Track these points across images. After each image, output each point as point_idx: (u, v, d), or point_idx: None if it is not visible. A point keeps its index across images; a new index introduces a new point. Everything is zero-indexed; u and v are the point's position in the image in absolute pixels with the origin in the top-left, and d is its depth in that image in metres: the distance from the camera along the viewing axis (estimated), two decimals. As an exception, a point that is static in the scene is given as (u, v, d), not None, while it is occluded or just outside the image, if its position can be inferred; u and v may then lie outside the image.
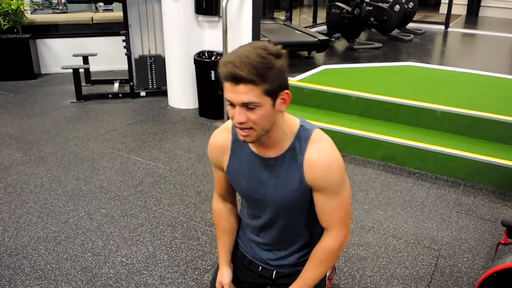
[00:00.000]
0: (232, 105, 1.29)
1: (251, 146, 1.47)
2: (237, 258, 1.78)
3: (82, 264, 2.40)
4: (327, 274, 2.10)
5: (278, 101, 1.31)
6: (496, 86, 4.58)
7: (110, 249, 2.54)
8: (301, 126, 1.42)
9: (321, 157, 1.38)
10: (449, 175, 3.45)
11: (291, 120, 1.44)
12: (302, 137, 1.41)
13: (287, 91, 1.33)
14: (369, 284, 2.30)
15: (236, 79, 1.23)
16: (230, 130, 1.50)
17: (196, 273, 2.36)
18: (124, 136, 4.13)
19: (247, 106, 1.26)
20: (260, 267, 1.69)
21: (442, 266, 2.44)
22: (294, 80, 4.47)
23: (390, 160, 3.67)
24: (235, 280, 1.75)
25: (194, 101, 4.84)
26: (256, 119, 1.28)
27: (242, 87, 1.23)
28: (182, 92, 4.91)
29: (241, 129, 1.31)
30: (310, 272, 1.55)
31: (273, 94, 1.28)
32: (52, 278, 2.29)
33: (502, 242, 2.03)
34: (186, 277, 2.33)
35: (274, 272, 1.66)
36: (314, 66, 5.14)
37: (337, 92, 4.19)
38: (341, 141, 3.85)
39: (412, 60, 5.52)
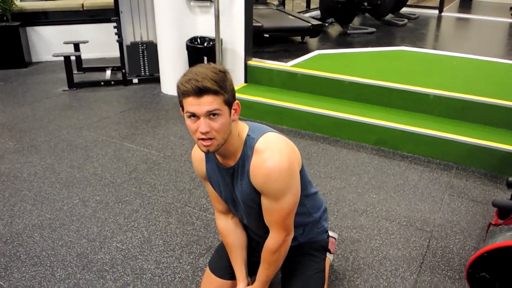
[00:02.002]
0: (194, 117, 1.39)
1: (217, 157, 1.58)
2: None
3: (77, 250, 2.41)
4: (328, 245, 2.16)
5: (232, 111, 1.46)
6: (489, 70, 4.59)
7: (105, 235, 2.55)
8: (248, 135, 1.55)
9: (260, 166, 1.50)
10: (442, 158, 3.48)
11: (241, 130, 1.56)
12: (248, 147, 1.54)
13: (237, 101, 1.48)
14: (362, 265, 2.33)
15: (201, 91, 1.35)
16: None
17: (191, 257, 2.38)
18: (117, 124, 4.12)
19: (211, 115, 1.38)
20: (258, 242, 1.81)
21: (434, 247, 2.47)
22: (287, 66, 4.47)
23: (383, 144, 3.69)
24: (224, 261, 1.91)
25: (187, 88, 4.82)
26: (218, 128, 1.40)
27: (206, 98, 1.36)
28: (175, 78, 4.81)
29: (204, 139, 1.42)
30: (262, 273, 1.72)
31: (229, 103, 1.42)
32: (48, 265, 2.30)
33: (493, 223, 2.06)
34: (181, 261, 2.35)
35: None
36: (308, 51, 5.13)
37: (331, 77, 4.19)
38: (334, 126, 3.87)
39: (405, 44, 5.51)
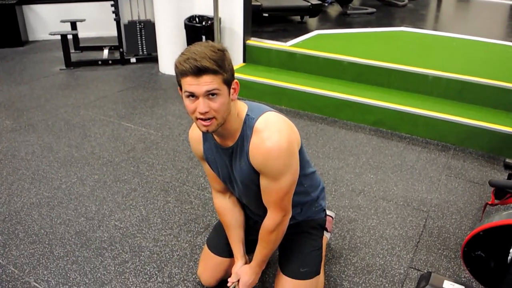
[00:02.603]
0: (193, 97, 1.37)
1: (215, 137, 1.58)
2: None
3: (76, 229, 2.42)
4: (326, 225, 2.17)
5: (231, 90, 1.44)
6: (489, 51, 4.56)
7: (103, 213, 2.56)
8: (247, 115, 1.53)
9: (260, 145, 1.48)
10: (440, 139, 3.48)
11: (241, 109, 1.54)
12: (247, 126, 1.52)
13: (236, 80, 1.46)
14: (358, 244, 2.34)
15: (200, 71, 1.32)
16: None
17: (189, 235, 2.39)
18: (115, 103, 4.10)
19: (210, 95, 1.36)
20: (256, 221, 1.83)
21: (430, 227, 2.49)
22: (286, 45, 4.43)
23: (382, 125, 3.69)
24: (221, 239, 1.93)
25: (185, 68, 4.79)
26: (217, 107, 1.38)
27: (205, 78, 1.33)
28: (173, 58, 4.75)
29: (203, 120, 1.40)
30: (260, 252, 1.73)
31: (228, 83, 1.40)
32: (47, 242, 2.31)
33: (490, 203, 2.07)
34: (179, 239, 2.36)
35: None
36: (307, 31, 5.09)
37: (330, 57, 4.17)
38: (332, 106, 3.85)
39: (405, 25, 5.47)
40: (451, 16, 6.99)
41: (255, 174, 1.57)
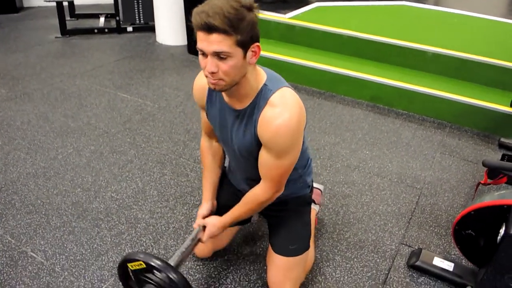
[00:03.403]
0: (204, 54, 1.31)
1: (223, 94, 1.53)
2: (225, 184, 1.93)
3: (72, 199, 2.44)
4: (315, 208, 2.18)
5: (249, 53, 1.35)
6: (490, 29, 4.52)
7: (100, 184, 2.58)
8: (265, 85, 1.46)
9: (271, 120, 1.42)
10: (436, 117, 3.49)
11: (260, 76, 1.48)
12: (262, 96, 1.45)
13: (258, 44, 1.36)
14: (352, 220, 2.38)
15: (209, 29, 1.25)
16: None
17: (185, 208, 2.42)
18: (111, 73, 4.06)
19: (218, 55, 1.29)
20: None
21: (423, 204, 2.52)
22: (285, 17, 4.37)
23: (379, 100, 3.69)
24: (221, 204, 1.90)
25: (183, 38, 4.74)
26: (226, 69, 1.31)
27: (215, 36, 1.26)
28: (170, 28, 4.78)
29: (212, 79, 1.35)
30: (237, 211, 1.70)
31: (244, 45, 1.31)
32: (43, 213, 2.33)
33: (482, 182, 2.09)
34: (175, 211, 2.39)
35: None
36: (307, 2, 5.01)
37: (329, 30, 4.12)
38: (330, 81, 3.84)
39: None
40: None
41: (257, 147, 1.53)
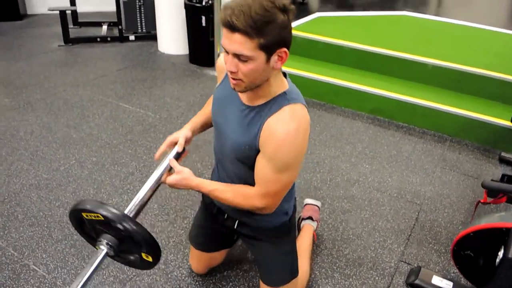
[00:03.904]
0: (227, 52, 1.26)
1: None
2: (206, 206, 1.87)
3: (74, 212, 2.45)
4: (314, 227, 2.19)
5: (274, 57, 1.27)
6: (491, 40, 4.54)
7: (101, 197, 2.59)
8: (284, 93, 1.38)
9: (279, 129, 1.34)
10: (437, 130, 3.50)
11: (283, 84, 1.41)
12: (277, 102, 1.37)
13: (285, 49, 1.26)
14: (351, 236, 2.39)
15: (232, 28, 1.19)
16: None
17: (185, 222, 2.43)
18: (114, 83, 4.09)
19: (238, 57, 1.24)
20: (226, 215, 1.76)
21: (422, 220, 2.54)
22: (287, 29, 4.38)
23: (379, 113, 3.70)
24: (202, 226, 1.90)
25: (185, 47, 4.76)
26: (246, 72, 1.26)
27: (237, 37, 1.20)
28: (172, 37, 4.81)
29: (232, 78, 1.31)
30: (219, 188, 1.53)
31: (268, 49, 1.23)
32: (45, 225, 2.35)
33: (482, 201, 2.10)
34: (175, 225, 2.40)
35: (237, 221, 1.74)
36: (309, 12, 5.04)
37: (330, 42, 4.14)
38: (331, 92, 3.86)
39: (408, 9, 5.43)
40: (455, 0, 6.91)
41: (253, 151, 1.43)
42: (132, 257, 1.48)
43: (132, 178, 2.77)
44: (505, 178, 2.41)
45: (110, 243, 1.37)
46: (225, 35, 1.23)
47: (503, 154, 3.15)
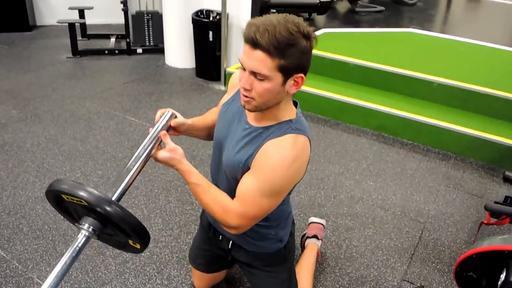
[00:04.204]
0: (243, 68, 1.27)
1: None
2: (203, 227, 1.88)
3: (78, 225, 2.47)
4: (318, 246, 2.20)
5: (290, 82, 1.28)
6: (496, 58, 4.56)
7: (106, 211, 2.60)
8: (290, 121, 1.38)
9: (277, 153, 1.32)
10: (441, 148, 3.51)
11: (291, 112, 1.41)
12: (281, 128, 1.37)
13: (302, 75, 1.28)
14: (354, 254, 2.39)
15: (255, 44, 1.19)
16: None
17: (189, 237, 2.44)
18: (120, 95, 4.13)
19: (255, 75, 1.24)
20: (221, 236, 1.76)
21: (426, 239, 2.53)
22: (293, 44, 4.42)
23: (384, 130, 3.72)
24: (201, 248, 1.90)
25: (191, 61, 4.81)
26: (260, 91, 1.26)
27: (258, 54, 1.20)
28: (179, 51, 4.86)
29: (244, 95, 1.30)
30: (206, 187, 1.45)
31: (286, 72, 1.24)
32: (50, 238, 2.36)
33: (485, 222, 2.10)
34: (179, 241, 2.41)
35: (230, 242, 1.74)
36: (315, 29, 5.07)
37: (336, 58, 4.17)
38: (336, 109, 3.88)
39: (413, 26, 5.46)
40: (460, 17, 6.95)
41: (245, 170, 1.41)
42: (118, 239, 1.38)
43: (137, 192, 2.79)
44: (508, 200, 2.41)
45: (92, 227, 1.26)
46: (245, 52, 1.23)
47: (507, 173, 3.14)
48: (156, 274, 2.18)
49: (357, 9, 6.09)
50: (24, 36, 5.61)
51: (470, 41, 4.95)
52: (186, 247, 2.37)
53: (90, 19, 5.63)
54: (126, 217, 1.22)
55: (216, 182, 1.63)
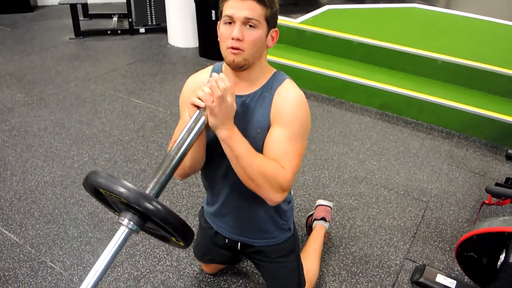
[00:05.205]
0: (230, 23, 1.31)
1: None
2: (203, 229, 1.86)
3: (88, 209, 2.53)
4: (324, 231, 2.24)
5: (269, 35, 1.38)
6: (501, 35, 4.51)
7: (114, 194, 2.66)
8: (277, 71, 1.48)
9: (291, 95, 1.40)
10: (445, 126, 3.52)
11: (270, 66, 1.48)
12: (277, 78, 1.45)
13: (276, 29, 1.40)
14: (358, 234, 2.44)
15: None
16: (209, 72, 1.53)
17: (197, 219, 2.48)
18: (124, 77, 4.14)
19: (247, 23, 1.30)
20: (227, 239, 1.76)
21: (428, 218, 2.58)
22: (296, 22, 4.40)
23: (388, 108, 3.73)
24: (206, 247, 1.87)
25: (195, 40, 4.79)
26: (252, 39, 1.31)
27: (250, 3, 1.28)
28: (182, 30, 4.84)
29: (233, 48, 1.31)
30: (250, 152, 1.34)
31: (269, 23, 1.34)
32: (61, 223, 2.43)
33: (486, 202, 2.14)
34: (187, 222, 2.45)
35: (239, 243, 1.75)
36: (318, 5, 5.03)
37: (339, 36, 4.15)
38: (340, 87, 3.88)
39: (418, 1, 5.38)
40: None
41: (264, 132, 1.41)
42: (160, 234, 1.34)
43: (144, 175, 2.84)
44: (510, 182, 2.44)
45: (132, 222, 1.20)
46: (233, 5, 1.29)
47: (510, 151, 3.17)
48: (165, 256, 2.25)
49: (360, -16, 6.00)
50: (25, 17, 5.59)
51: (475, 16, 4.89)
52: (194, 229, 2.40)
53: (91, -1, 5.60)
54: (167, 216, 1.15)
55: (218, 189, 1.61)
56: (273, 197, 1.37)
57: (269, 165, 1.35)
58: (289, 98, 1.39)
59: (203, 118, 1.30)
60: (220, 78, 1.27)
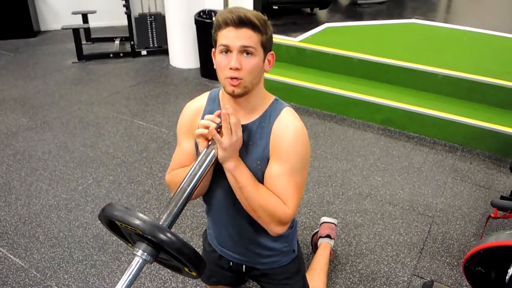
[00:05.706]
0: (226, 52, 1.28)
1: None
2: (207, 252, 1.81)
3: (93, 232, 2.53)
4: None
5: (266, 60, 1.36)
6: (501, 47, 4.55)
7: (118, 216, 2.65)
8: (276, 99, 1.45)
9: (289, 127, 1.37)
10: (448, 140, 3.52)
11: (268, 93, 1.47)
12: (275, 108, 1.42)
13: (272, 52, 1.38)
14: (364, 250, 2.43)
15: (241, 23, 1.25)
16: (206, 98, 1.50)
17: (201, 240, 2.48)
18: (127, 99, 4.17)
19: (245, 51, 1.27)
20: (231, 262, 1.72)
21: (435, 233, 2.56)
22: (296, 41, 4.44)
23: (390, 124, 3.73)
24: (210, 270, 1.80)
25: (196, 61, 4.84)
26: (250, 67, 1.29)
27: (244, 31, 1.26)
28: (183, 51, 4.89)
29: (232, 78, 1.29)
30: (255, 186, 1.36)
31: (265, 49, 1.33)
32: (66, 246, 2.42)
33: (492, 215, 2.13)
34: (192, 243, 2.46)
35: (244, 266, 1.72)
36: (317, 24, 5.09)
37: (339, 53, 4.18)
38: (342, 104, 3.90)
39: (416, 17, 5.45)
40: (465, 6, 6.90)
41: (264, 163, 1.39)
42: (173, 264, 1.35)
43: (148, 197, 2.84)
44: (515, 194, 2.43)
45: (146, 253, 1.22)
46: (228, 35, 1.26)
47: (514, 163, 3.16)
48: (171, 277, 2.23)
49: (358, 1, 6.08)
50: (28, 42, 5.67)
51: (474, 29, 4.94)
52: (199, 249, 2.41)
53: (93, 22, 5.68)
54: (181, 247, 1.17)
55: (220, 216, 1.59)
56: (273, 229, 1.40)
57: (271, 199, 1.37)
58: (287, 131, 1.37)
59: (213, 152, 1.33)
60: (230, 114, 1.28)
